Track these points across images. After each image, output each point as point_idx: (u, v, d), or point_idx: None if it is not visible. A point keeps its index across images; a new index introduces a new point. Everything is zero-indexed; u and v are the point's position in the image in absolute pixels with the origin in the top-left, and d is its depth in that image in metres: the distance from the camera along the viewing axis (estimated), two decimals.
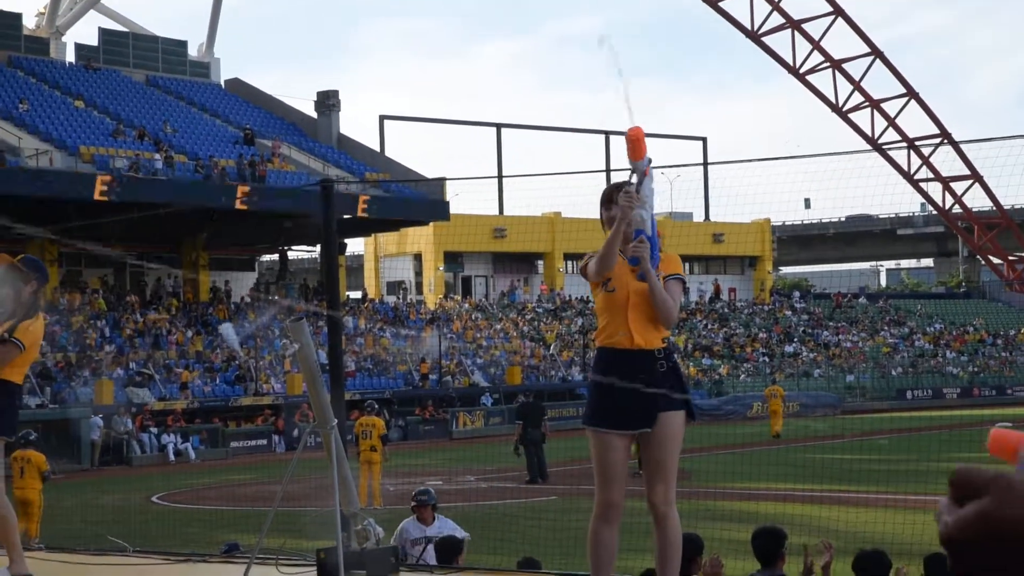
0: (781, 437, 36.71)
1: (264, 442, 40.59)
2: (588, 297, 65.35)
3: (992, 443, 1.48)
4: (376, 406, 24.54)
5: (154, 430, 38.89)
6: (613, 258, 5.20)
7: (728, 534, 13.27)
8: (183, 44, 58.97)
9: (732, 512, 19.22)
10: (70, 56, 55.83)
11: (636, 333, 5.23)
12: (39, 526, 17.75)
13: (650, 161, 5.20)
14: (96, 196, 40.90)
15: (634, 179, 5.19)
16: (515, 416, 27.50)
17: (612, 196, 5.34)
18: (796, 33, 71.14)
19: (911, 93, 72.91)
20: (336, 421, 6.92)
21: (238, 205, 44.15)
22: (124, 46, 56.40)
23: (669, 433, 5.24)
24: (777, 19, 69.04)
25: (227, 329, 42.14)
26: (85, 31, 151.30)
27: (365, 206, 47.64)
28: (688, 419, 5.35)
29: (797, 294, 78.19)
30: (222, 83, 60.08)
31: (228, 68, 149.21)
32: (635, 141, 5.13)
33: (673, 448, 5.28)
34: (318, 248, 56.75)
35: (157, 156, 45.71)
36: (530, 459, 25.58)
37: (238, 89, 59.53)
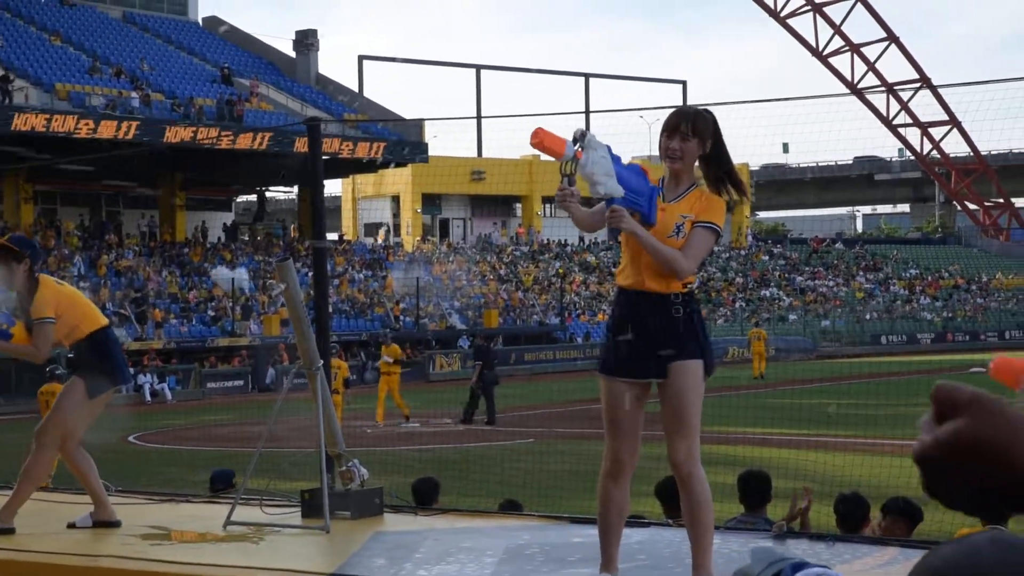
0: (765, 379, 37.74)
1: (241, 383, 40.57)
2: (566, 240, 65.51)
3: (995, 368, 1.49)
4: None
5: (130, 370, 38.79)
6: (585, 228, 5.13)
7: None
8: None
9: (708, 455, 19.33)
10: None
11: (649, 275, 4.97)
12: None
13: (582, 135, 4.89)
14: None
15: (571, 169, 4.88)
16: (473, 356, 27.65)
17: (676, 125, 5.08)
18: None
19: (891, 37, 72.77)
20: (322, 362, 6.90)
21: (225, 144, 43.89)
22: None
23: (687, 384, 4.95)
24: None
25: (220, 272, 42.12)
26: None
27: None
28: (707, 371, 5.04)
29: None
30: (200, 21, 59.50)
31: (205, 5, 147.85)
32: (544, 143, 4.86)
33: (692, 401, 4.97)
34: (295, 189, 56.55)
35: (134, 94, 45.31)
36: (488, 401, 25.75)
37: (215, 27, 58.98)
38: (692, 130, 5.09)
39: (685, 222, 5.01)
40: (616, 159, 4.99)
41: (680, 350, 4.95)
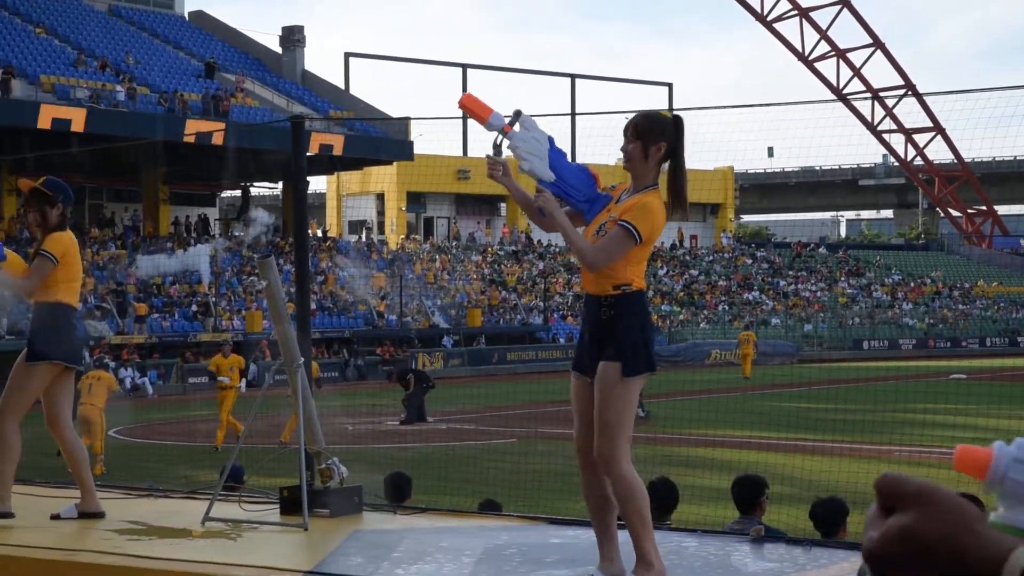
0: (751, 379, 38.48)
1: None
2: (550, 240, 65.64)
3: (958, 459, 1.40)
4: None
5: (111, 364, 38.69)
6: (526, 210, 5.21)
7: (688, 480, 13.36)
8: None
9: (690, 458, 19.38)
10: None
11: (585, 278, 5.22)
12: (103, 443, 19.45)
13: (517, 114, 5.08)
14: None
15: (499, 140, 5.09)
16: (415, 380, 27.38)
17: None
18: None
19: (877, 43, 73.01)
20: (303, 359, 6.90)
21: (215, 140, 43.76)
22: None
23: (604, 384, 5.09)
24: None
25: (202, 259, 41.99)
26: None
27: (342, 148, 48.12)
28: (624, 372, 5.05)
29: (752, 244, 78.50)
30: (186, 15, 59.35)
31: (192, 0, 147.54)
32: (468, 106, 5.06)
33: (609, 401, 5.06)
34: (280, 185, 56.46)
35: (119, 87, 45.18)
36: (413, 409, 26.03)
37: (202, 21, 58.84)
38: (635, 132, 5.17)
39: (609, 221, 5.10)
40: (558, 152, 5.14)
41: (602, 351, 5.11)
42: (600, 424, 5.07)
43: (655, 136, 5.15)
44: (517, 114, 5.08)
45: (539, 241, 65.63)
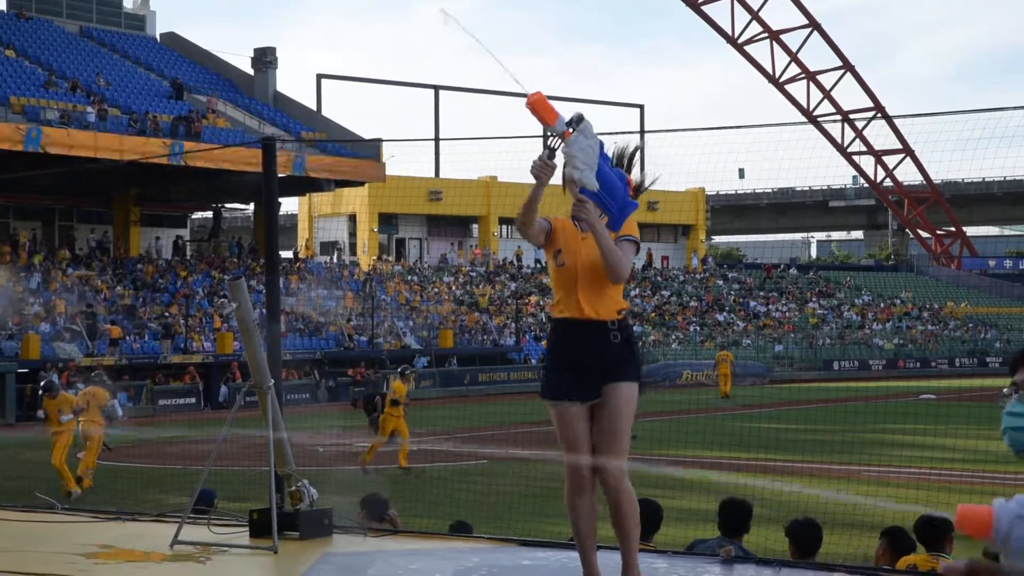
0: (730, 398, 39.59)
1: (192, 400, 40.32)
2: (522, 261, 65.66)
3: (960, 520, 1.37)
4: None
5: (81, 386, 38.41)
6: (528, 215, 5.17)
7: (664, 501, 13.35)
8: None
9: (660, 480, 19.38)
10: (1, 4, 54.81)
11: (587, 304, 5.23)
12: (95, 458, 19.78)
13: (580, 119, 5.08)
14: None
15: (556, 144, 5.07)
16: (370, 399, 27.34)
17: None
18: (735, 3, 71.42)
19: (847, 66, 73.53)
20: (273, 382, 6.87)
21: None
22: None
23: (620, 403, 5.22)
24: None
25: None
26: None
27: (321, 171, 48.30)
28: (640, 390, 5.33)
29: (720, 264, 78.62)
30: (158, 36, 59.23)
31: (164, 22, 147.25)
32: (537, 107, 5.05)
33: (626, 419, 5.24)
34: (251, 206, 56.35)
35: (90, 109, 45.02)
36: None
37: (174, 43, 58.73)
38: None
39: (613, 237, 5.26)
40: (606, 158, 5.19)
41: (617, 373, 5.22)
42: (615, 443, 5.25)
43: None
44: (579, 119, 5.08)
45: (510, 262, 65.67)
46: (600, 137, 5.17)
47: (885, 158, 76.33)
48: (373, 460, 21.21)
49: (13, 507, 8.27)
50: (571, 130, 5.04)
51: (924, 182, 77.31)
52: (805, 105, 74.28)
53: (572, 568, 5.97)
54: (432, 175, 69.58)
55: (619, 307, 5.29)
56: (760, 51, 74.03)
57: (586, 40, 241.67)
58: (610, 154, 5.33)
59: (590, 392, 5.24)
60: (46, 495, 8.39)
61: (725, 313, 65.65)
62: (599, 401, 5.24)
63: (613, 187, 5.16)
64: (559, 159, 5.11)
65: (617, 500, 5.30)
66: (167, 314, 44.51)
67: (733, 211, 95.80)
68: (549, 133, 5.08)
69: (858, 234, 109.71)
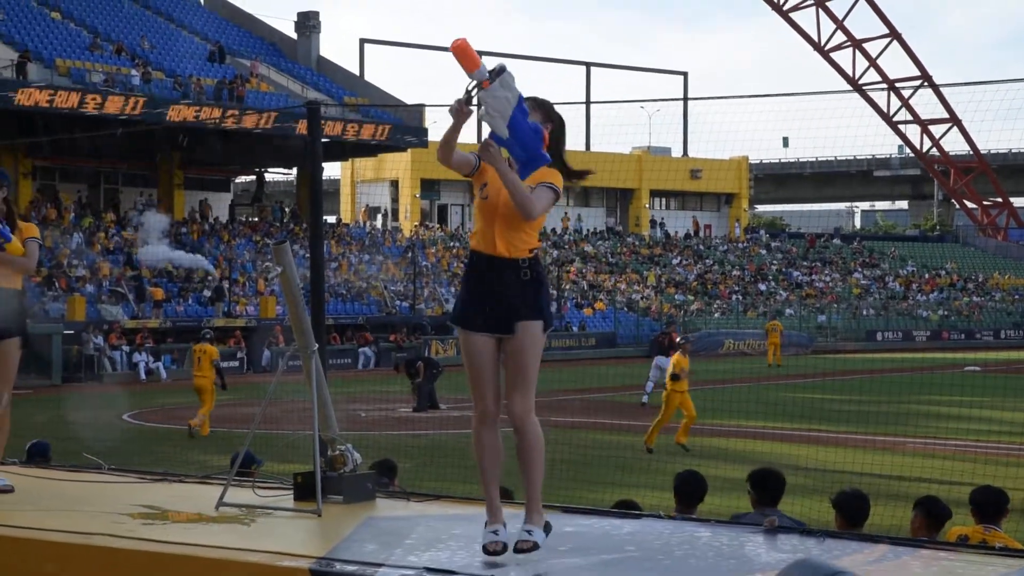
0: (782, 366, 40.71)
1: (236, 364, 40.57)
2: (557, 229, 65.62)
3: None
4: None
5: (126, 348, 38.78)
6: (445, 151, 5.49)
7: (703, 470, 13.34)
8: None
9: (704, 449, 19.35)
10: None
11: (500, 239, 5.42)
12: (210, 409, 22.32)
13: (500, 70, 5.27)
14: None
15: (474, 89, 5.25)
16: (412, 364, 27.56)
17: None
18: None
19: (893, 34, 72.70)
20: (317, 345, 6.89)
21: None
22: None
23: (527, 342, 5.42)
24: None
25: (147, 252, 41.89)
26: None
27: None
28: (544, 330, 5.50)
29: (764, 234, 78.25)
30: (201, 0, 59.32)
31: None
32: (458, 53, 5.23)
33: (532, 356, 5.46)
34: (295, 171, 56.48)
35: (134, 72, 45.21)
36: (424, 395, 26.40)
37: (217, 6, 58.80)
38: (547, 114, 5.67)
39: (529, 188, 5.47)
40: (524, 111, 5.41)
41: (526, 311, 5.44)
42: (522, 380, 5.46)
43: (546, 117, 5.65)
44: (500, 70, 5.28)
45: (552, 230, 65.53)
46: (521, 91, 5.35)
47: (931, 127, 75.51)
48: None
49: (61, 467, 8.34)
50: (489, 80, 5.23)
51: (971, 152, 76.45)
52: (851, 73, 73.53)
53: (615, 536, 5.97)
54: (474, 141, 69.52)
55: (531, 246, 5.48)
56: (806, 18, 73.46)
57: (626, 5, 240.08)
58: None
59: (499, 326, 5.43)
60: (92, 455, 8.46)
61: (768, 283, 65.34)
62: (509, 338, 5.43)
63: (524, 139, 5.40)
64: (477, 106, 5.35)
65: (522, 436, 5.48)
66: (209, 277, 44.75)
67: (776, 180, 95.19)
68: (470, 79, 5.26)
69: (903, 204, 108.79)
